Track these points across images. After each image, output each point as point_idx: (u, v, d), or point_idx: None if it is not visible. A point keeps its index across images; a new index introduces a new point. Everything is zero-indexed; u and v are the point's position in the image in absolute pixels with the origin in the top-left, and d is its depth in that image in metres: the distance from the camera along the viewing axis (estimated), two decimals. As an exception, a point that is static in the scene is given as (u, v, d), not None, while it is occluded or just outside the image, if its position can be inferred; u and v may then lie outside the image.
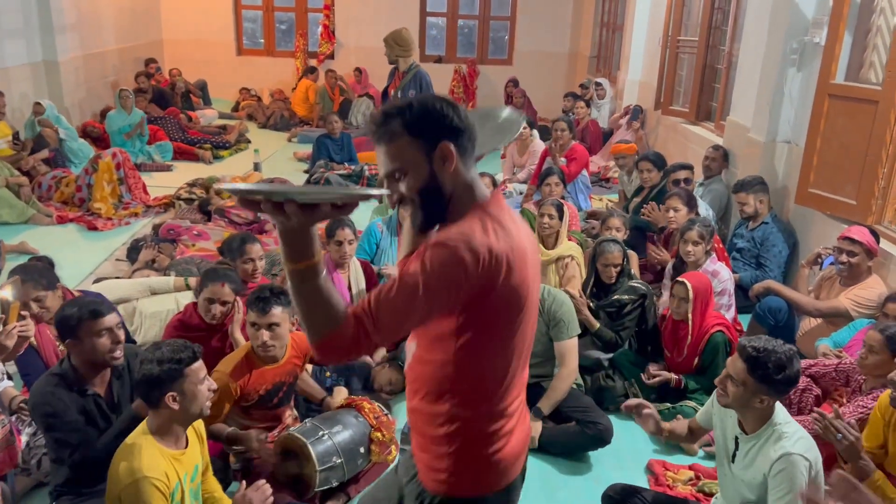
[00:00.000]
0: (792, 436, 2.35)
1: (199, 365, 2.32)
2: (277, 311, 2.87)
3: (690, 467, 3.26)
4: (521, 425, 1.72)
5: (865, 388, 3.04)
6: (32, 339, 3.17)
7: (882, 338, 2.92)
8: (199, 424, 2.48)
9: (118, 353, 2.58)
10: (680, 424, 2.91)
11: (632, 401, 2.81)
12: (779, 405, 2.45)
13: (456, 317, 1.52)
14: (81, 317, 2.52)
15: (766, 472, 2.35)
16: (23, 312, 2.57)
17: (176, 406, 2.26)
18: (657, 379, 3.65)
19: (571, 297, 3.77)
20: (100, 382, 2.62)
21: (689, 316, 3.61)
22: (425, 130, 1.49)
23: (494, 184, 5.54)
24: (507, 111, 2.00)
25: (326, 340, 1.43)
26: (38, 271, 3.34)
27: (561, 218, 4.42)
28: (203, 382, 2.33)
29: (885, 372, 2.91)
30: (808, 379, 3.26)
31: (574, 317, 3.50)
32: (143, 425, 2.31)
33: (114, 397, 2.63)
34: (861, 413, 2.87)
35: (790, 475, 2.28)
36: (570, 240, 4.66)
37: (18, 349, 2.56)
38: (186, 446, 2.36)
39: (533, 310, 1.63)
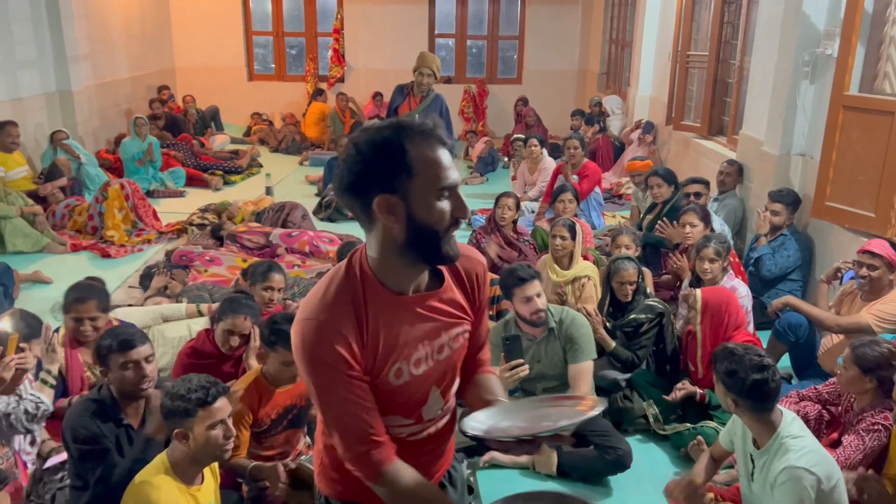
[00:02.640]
0: (799, 449, 2.31)
1: (215, 408, 2.24)
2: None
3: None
4: None
5: (857, 407, 2.96)
6: (62, 361, 3.18)
7: (851, 354, 2.89)
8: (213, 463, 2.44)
9: (145, 385, 2.57)
10: (702, 471, 2.84)
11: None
12: (791, 418, 2.43)
13: None
14: (111, 347, 2.54)
15: (772, 485, 2.31)
16: (21, 345, 2.55)
17: (183, 445, 2.22)
18: (682, 393, 3.55)
19: (587, 315, 3.72)
20: (134, 413, 2.61)
21: (699, 329, 3.54)
22: None
23: (518, 206, 5.51)
24: None
25: None
26: (102, 292, 3.41)
27: (573, 238, 4.37)
28: (217, 427, 2.24)
29: (857, 389, 2.90)
30: (819, 406, 3.19)
31: (591, 340, 3.43)
32: (163, 456, 2.28)
33: (144, 429, 2.61)
34: (867, 448, 2.80)
35: (793, 489, 2.25)
36: (586, 257, 4.62)
37: (17, 382, 2.54)
38: (202, 482, 2.33)
39: None
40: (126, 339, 2.56)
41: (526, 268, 3.43)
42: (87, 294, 3.30)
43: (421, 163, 1.34)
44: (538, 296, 3.34)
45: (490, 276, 4.15)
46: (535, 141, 7.39)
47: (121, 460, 2.52)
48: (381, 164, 1.34)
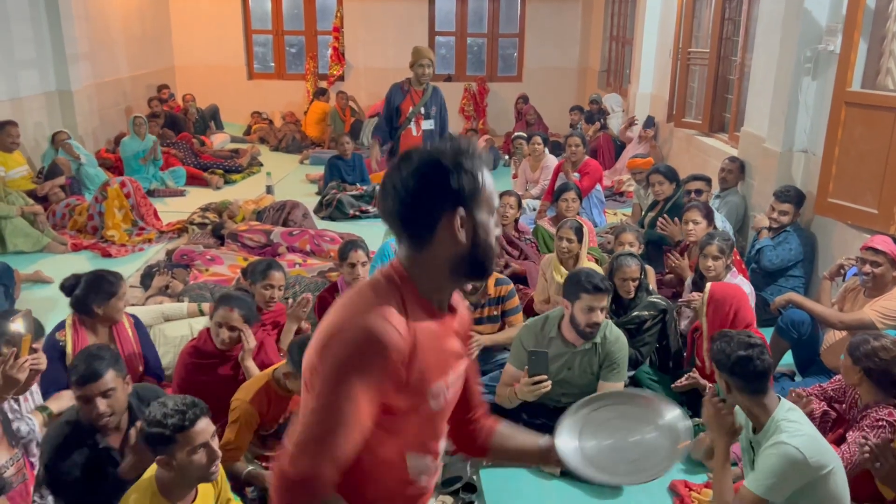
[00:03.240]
0: (793, 431, 2.34)
1: (196, 432, 2.15)
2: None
3: (706, 485, 3.18)
4: None
5: (861, 403, 2.96)
6: (69, 346, 3.18)
7: (848, 343, 2.94)
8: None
9: (103, 422, 2.46)
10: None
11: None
12: (789, 406, 2.47)
13: None
14: (71, 378, 2.46)
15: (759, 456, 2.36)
16: (34, 346, 2.54)
17: (169, 470, 2.16)
18: (687, 382, 3.54)
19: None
20: (115, 431, 2.53)
21: (704, 322, 3.53)
22: None
23: (519, 204, 5.48)
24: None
25: None
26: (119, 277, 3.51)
27: (580, 240, 4.35)
28: (198, 451, 2.16)
29: (851, 380, 2.94)
30: (824, 402, 3.18)
31: (626, 362, 3.42)
32: (151, 478, 2.22)
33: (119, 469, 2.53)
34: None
35: (776, 459, 2.29)
36: (588, 258, 4.60)
37: (30, 382, 2.53)
38: (195, 499, 2.28)
39: None
40: (84, 372, 2.43)
41: (605, 280, 3.38)
42: (119, 277, 3.42)
43: (486, 182, 1.39)
44: (602, 310, 3.29)
45: (496, 275, 4.14)
46: (538, 139, 7.38)
47: (89, 488, 2.44)
48: (459, 179, 1.35)
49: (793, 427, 2.34)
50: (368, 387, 1.28)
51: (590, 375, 3.38)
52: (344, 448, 1.27)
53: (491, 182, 1.41)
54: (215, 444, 2.23)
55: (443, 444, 1.57)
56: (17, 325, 2.51)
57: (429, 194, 1.35)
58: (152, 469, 2.26)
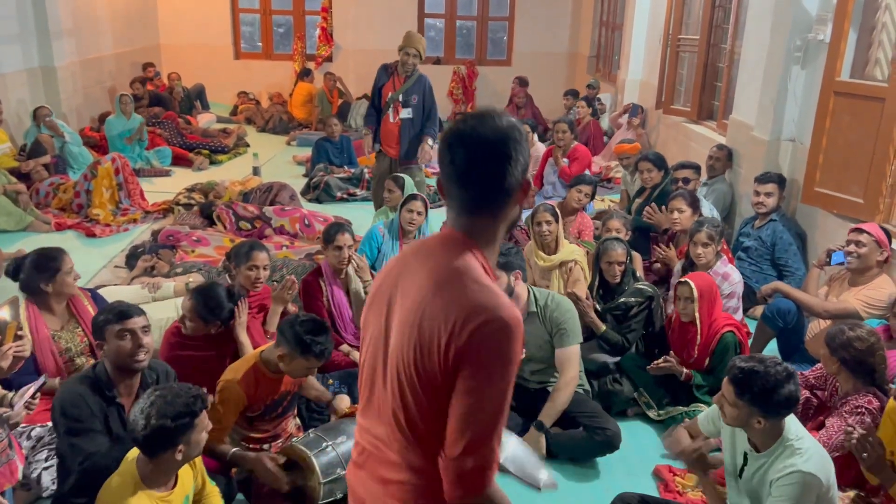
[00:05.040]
0: (805, 452, 2.30)
1: (205, 412, 2.30)
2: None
3: (690, 470, 3.21)
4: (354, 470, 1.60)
5: (841, 391, 2.99)
6: (26, 329, 3.15)
7: (827, 332, 2.96)
8: None
9: (141, 356, 2.60)
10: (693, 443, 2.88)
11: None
12: (791, 418, 2.41)
13: None
14: (108, 319, 2.58)
15: (773, 481, 2.31)
16: (19, 332, 2.52)
17: (180, 457, 2.22)
18: (663, 365, 3.55)
19: (577, 299, 3.71)
20: (126, 392, 2.63)
21: (697, 316, 3.55)
22: None
23: None
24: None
25: None
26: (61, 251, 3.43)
27: (557, 221, 4.35)
28: (206, 427, 2.30)
29: (830, 369, 2.96)
30: (807, 391, 3.21)
31: (577, 324, 3.42)
32: (132, 467, 2.24)
33: None
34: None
35: (797, 492, 2.25)
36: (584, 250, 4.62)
37: (13, 369, 2.51)
38: (175, 483, 2.31)
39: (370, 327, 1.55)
40: (123, 309, 2.62)
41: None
42: (61, 251, 3.36)
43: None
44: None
45: None
46: (527, 126, 7.33)
47: (107, 442, 2.48)
48: (526, 150, 1.44)
49: (802, 446, 2.31)
50: (514, 369, 1.36)
51: (545, 345, 3.39)
52: (499, 431, 1.35)
53: None
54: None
55: None
56: (3, 313, 2.50)
57: (518, 166, 1.42)
58: (132, 454, 2.27)
